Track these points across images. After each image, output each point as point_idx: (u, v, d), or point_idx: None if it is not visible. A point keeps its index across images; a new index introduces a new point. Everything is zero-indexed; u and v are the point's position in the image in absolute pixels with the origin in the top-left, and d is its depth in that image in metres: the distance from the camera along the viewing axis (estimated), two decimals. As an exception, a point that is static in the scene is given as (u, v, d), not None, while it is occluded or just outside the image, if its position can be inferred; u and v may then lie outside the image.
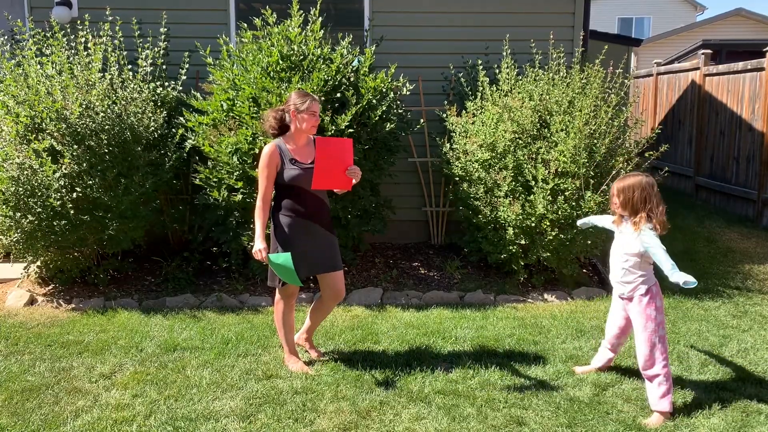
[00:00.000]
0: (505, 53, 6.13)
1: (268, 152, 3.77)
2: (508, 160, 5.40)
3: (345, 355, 4.25)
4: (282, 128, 3.90)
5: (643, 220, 3.43)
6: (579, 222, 4.06)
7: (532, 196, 5.28)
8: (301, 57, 5.38)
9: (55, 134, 4.95)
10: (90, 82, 5.34)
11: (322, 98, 5.19)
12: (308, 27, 5.57)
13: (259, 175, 3.80)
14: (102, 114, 5.10)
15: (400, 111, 5.91)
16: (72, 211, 4.98)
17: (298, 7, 5.45)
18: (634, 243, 3.48)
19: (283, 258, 3.63)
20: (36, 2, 6.39)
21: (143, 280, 5.78)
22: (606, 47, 6.23)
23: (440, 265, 6.17)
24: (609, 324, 3.88)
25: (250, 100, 5.24)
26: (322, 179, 3.68)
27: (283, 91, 5.05)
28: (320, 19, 5.54)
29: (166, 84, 5.98)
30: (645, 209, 3.43)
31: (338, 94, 5.32)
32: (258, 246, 3.73)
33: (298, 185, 3.79)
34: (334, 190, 3.92)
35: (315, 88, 5.10)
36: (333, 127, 5.10)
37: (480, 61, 6.35)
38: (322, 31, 5.56)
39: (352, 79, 5.48)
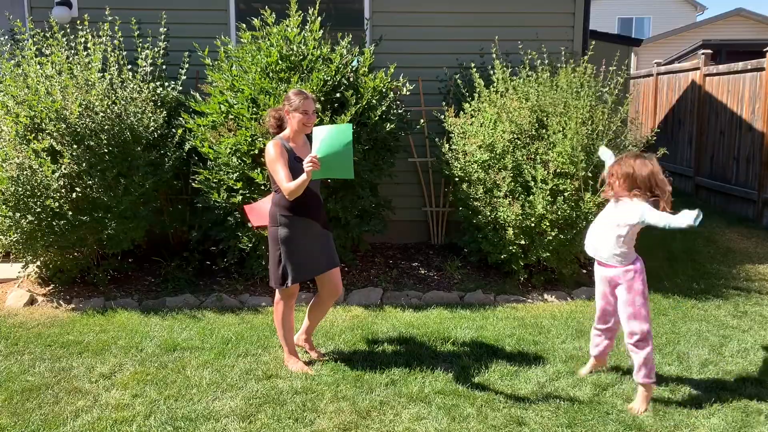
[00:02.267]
0: (497, 54, 6.13)
1: (276, 145, 3.74)
2: (507, 161, 5.40)
3: (345, 355, 4.25)
4: (281, 128, 3.91)
5: (641, 195, 3.42)
6: (600, 151, 3.98)
7: (531, 197, 5.28)
8: (301, 57, 5.38)
9: (55, 134, 4.95)
10: (89, 82, 5.35)
11: (322, 98, 5.19)
12: (307, 27, 5.57)
13: (274, 167, 3.70)
14: (102, 114, 5.10)
15: (399, 111, 5.91)
16: (71, 212, 4.98)
17: (296, 7, 5.45)
18: (631, 213, 3.44)
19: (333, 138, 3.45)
20: (36, 2, 6.39)
21: (143, 280, 5.78)
22: (606, 47, 6.24)
23: (440, 265, 6.17)
24: (598, 306, 3.84)
25: (249, 101, 5.24)
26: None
27: (282, 92, 5.05)
28: (319, 18, 5.54)
29: (166, 84, 5.98)
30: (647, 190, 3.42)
31: (337, 94, 5.32)
32: (306, 160, 3.52)
33: None
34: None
35: (315, 88, 5.10)
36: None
37: (473, 63, 6.33)
38: (321, 31, 5.55)
39: (351, 79, 5.48)
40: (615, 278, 3.62)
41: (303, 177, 3.56)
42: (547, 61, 5.93)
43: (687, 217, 3.17)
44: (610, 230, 3.55)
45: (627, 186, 3.45)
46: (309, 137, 3.93)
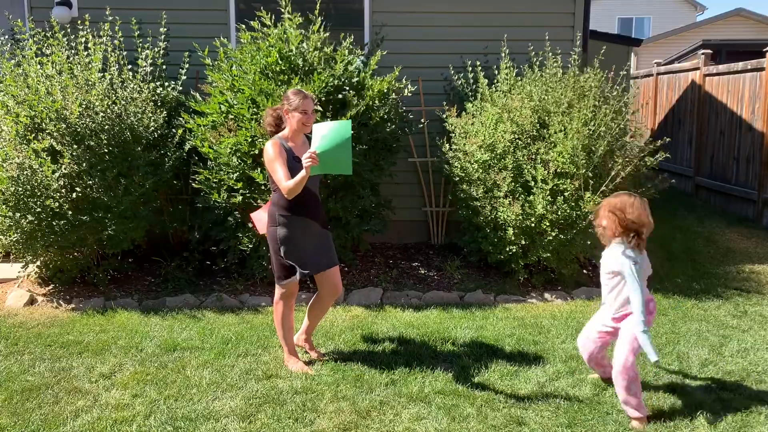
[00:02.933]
0: (503, 53, 6.13)
1: (275, 144, 3.75)
2: (507, 161, 5.40)
3: (345, 355, 4.25)
4: (279, 126, 3.92)
5: (620, 237, 3.38)
6: None
7: (531, 197, 5.28)
8: (301, 58, 5.37)
9: (55, 134, 4.94)
10: (90, 82, 5.34)
11: (322, 99, 5.18)
12: (310, 28, 5.55)
13: (273, 166, 3.71)
14: (102, 114, 5.09)
15: (401, 111, 5.90)
16: (71, 212, 4.98)
17: (291, 9, 5.45)
18: (613, 261, 3.42)
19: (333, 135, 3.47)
20: (36, 2, 6.38)
21: (143, 280, 5.78)
22: (606, 47, 6.24)
23: (440, 265, 6.17)
24: (586, 340, 3.72)
25: (249, 101, 5.24)
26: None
27: (281, 93, 5.05)
28: (320, 19, 5.52)
29: (166, 84, 5.98)
30: (627, 232, 3.35)
31: (339, 95, 5.31)
32: (306, 155, 3.53)
33: None
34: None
35: (315, 89, 5.10)
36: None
37: (479, 63, 6.34)
38: (321, 32, 5.54)
39: (354, 81, 5.46)
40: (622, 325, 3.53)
41: (302, 173, 3.57)
42: (548, 61, 5.92)
43: (648, 345, 3.19)
44: (604, 279, 3.53)
45: (613, 229, 3.40)
46: (308, 137, 3.94)
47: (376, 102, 5.45)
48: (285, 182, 3.66)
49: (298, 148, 3.84)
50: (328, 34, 5.65)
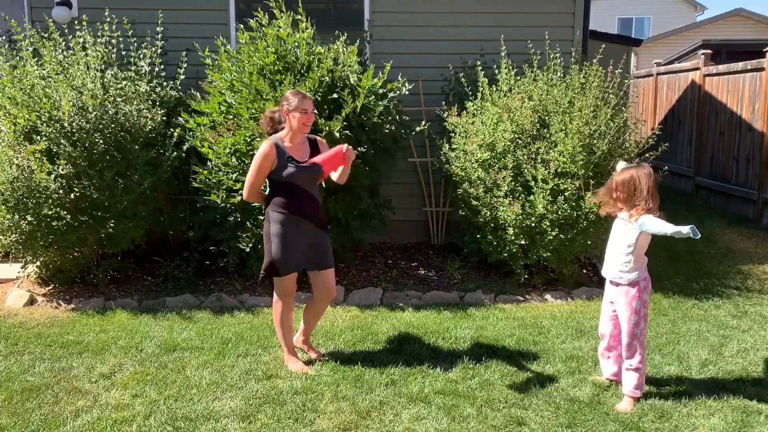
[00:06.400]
0: (503, 53, 6.13)
1: (266, 147, 3.82)
2: (507, 160, 5.40)
3: (345, 355, 4.25)
4: (275, 128, 3.95)
5: (638, 211, 3.45)
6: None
7: (532, 196, 5.28)
8: (295, 57, 5.37)
9: (51, 135, 4.94)
10: (85, 83, 5.32)
11: (318, 98, 5.18)
12: (299, 26, 5.54)
13: (251, 167, 3.86)
14: (97, 114, 5.07)
15: (400, 115, 5.89)
16: (70, 212, 4.97)
17: (286, 7, 5.45)
18: (630, 232, 3.51)
19: None
20: (36, 2, 6.38)
21: (143, 280, 5.78)
22: (606, 47, 6.23)
23: (440, 265, 6.17)
24: (602, 323, 3.82)
25: (248, 101, 5.24)
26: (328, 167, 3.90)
27: (279, 93, 5.04)
28: (303, 14, 5.50)
29: (164, 84, 5.98)
30: (643, 202, 3.44)
31: (334, 95, 5.31)
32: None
33: (293, 182, 3.83)
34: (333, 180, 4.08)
35: (311, 88, 5.10)
36: (327, 128, 5.07)
37: (479, 63, 6.34)
38: (312, 29, 5.52)
39: (350, 79, 5.45)
40: (618, 295, 3.63)
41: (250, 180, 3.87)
42: (547, 62, 5.92)
43: (683, 228, 3.23)
44: (615, 250, 3.61)
45: (623, 200, 3.52)
46: (308, 137, 3.96)
47: (371, 101, 5.42)
48: (247, 187, 3.89)
49: (295, 148, 3.86)
50: (313, 28, 5.63)
